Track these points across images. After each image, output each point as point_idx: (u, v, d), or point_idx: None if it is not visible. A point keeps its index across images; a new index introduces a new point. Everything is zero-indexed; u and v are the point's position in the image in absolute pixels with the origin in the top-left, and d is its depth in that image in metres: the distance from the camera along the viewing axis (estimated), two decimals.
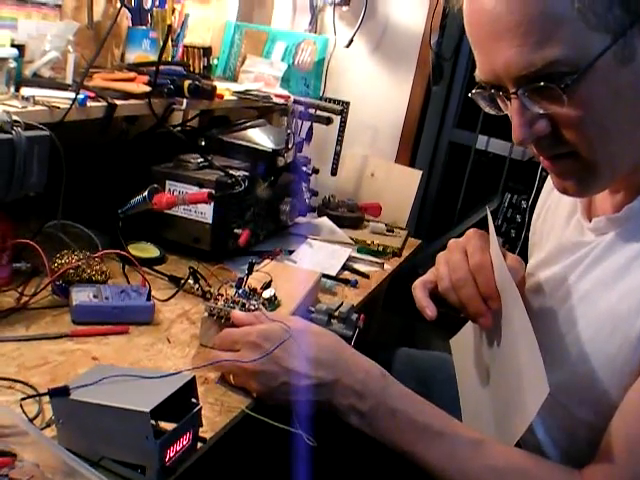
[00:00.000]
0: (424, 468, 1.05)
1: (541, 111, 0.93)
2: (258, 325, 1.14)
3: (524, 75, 0.91)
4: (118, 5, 1.77)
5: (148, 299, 1.31)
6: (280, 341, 1.07)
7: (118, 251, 1.43)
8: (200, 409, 0.93)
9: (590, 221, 1.10)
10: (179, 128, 1.97)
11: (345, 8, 2.56)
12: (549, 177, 1.32)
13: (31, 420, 0.95)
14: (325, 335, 1.15)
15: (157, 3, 1.92)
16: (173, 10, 1.97)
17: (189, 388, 0.93)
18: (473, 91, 1.03)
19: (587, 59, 0.88)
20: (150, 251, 1.61)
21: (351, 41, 2.53)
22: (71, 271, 1.33)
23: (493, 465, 1.03)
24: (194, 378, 0.94)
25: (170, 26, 1.86)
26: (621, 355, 0.97)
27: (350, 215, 2.21)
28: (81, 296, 1.28)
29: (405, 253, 2.10)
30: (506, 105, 0.98)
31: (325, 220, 2.13)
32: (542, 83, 0.90)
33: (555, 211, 1.25)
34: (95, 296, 1.29)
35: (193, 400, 0.93)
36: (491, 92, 0.99)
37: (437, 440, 1.04)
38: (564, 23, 0.87)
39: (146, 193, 1.51)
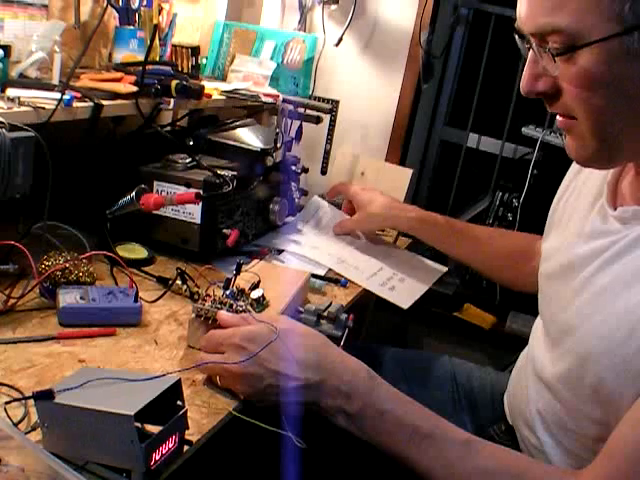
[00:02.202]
0: (413, 469, 1.04)
1: (544, 69, 0.99)
2: (243, 327, 1.13)
3: (536, 32, 0.97)
4: (105, 4, 1.76)
5: (135, 300, 1.30)
6: (266, 343, 1.06)
7: (105, 252, 1.42)
8: (186, 412, 0.92)
9: (615, 209, 1.08)
10: (169, 128, 1.97)
11: (334, 7, 2.55)
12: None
13: (16, 424, 0.95)
14: (312, 335, 1.15)
15: (145, 3, 1.91)
16: (161, 10, 1.96)
17: (175, 391, 0.92)
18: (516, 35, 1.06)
19: (588, 37, 0.91)
20: (138, 252, 1.60)
21: (340, 39, 2.52)
22: (58, 273, 1.32)
23: (483, 466, 1.02)
24: (179, 381, 0.93)
25: (156, 26, 1.85)
26: (637, 360, 0.95)
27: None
28: (68, 298, 1.27)
29: (400, 245, 2.09)
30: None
31: (315, 199, 2.15)
32: (545, 45, 0.96)
33: (580, 194, 1.23)
34: (82, 298, 1.28)
35: (179, 403, 0.93)
36: (521, 38, 1.03)
37: (426, 441, 1.04)
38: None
39: (134, 194, 1.51)
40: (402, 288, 1.78)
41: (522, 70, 1.03)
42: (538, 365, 1.20)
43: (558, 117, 1.04)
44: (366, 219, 1.90)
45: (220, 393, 1.12)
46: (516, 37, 1.04)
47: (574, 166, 1.30)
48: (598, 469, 0.95)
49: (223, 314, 1.18)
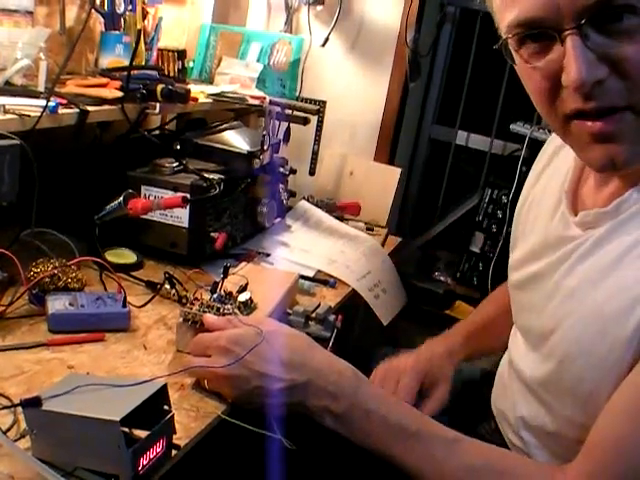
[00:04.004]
0: (401, 469, 1.04)
1: (598, 52, 0.87)
2: (229, 329, 1.14)
3: (593, 4, 0.85)
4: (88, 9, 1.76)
5: (124, 306, 1.30)
6: (251, 345, 1.07)
7: (93, 258, 1.42)
8: (172, 416, 0.93)
9: (576, 215, 1.09)
10: (157, 132, 1.97)
11: (320, 7, 2.55)
12: (532, 170, 1.32)
13: (5, 432, 0.95)
14: (297, 337, 1.15)
15: (130, 7, 1.91)
16: (146, 14, 1.96)
17: (162, 395, 0.93)
18: (510, 35, 0.95)
19: None
20: (127, 257, 1.61)
21: (326, 40, 2.53)
22: (47, 279, 1.32)
23: (470, 464, 1.02)
24: (165, 385, 0.93)
25: (140, 30, 1.85)
26: (612, 356, 0.96)
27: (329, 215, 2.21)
28: (57, 304, 1.28)
29: (385, 251, 2.10)
30: (547, 51, 0.92)
31: (302, 203, 2.16)
32: (609, 18, 0.86)
33: (540, 203, 1.23)
34: (71, 304, 1.29)
35: (165, 407, 0.93)
36: (540, 30, 0.91)
37: (412, 440, 1.04)
38: None
39: (121, 199, 1.51)
40: (384, 300, 1.82)
41: (509, 67, 0.95)
42: (519, 370, 1.21)
43: (603, 123, 0.91)
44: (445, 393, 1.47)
45: (208, 397, 1.12)
46: (510, 34, 0.95)
47: (530, 177, 1.31)
48: (580, 464, 0.96)
49: (209, 317, 1.19)
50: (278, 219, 1.99)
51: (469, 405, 1.46)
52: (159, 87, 1.66)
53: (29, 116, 1.36)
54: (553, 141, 1.26)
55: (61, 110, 1.44)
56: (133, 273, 1.55)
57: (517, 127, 2.57)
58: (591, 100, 0.90)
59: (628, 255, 0.97)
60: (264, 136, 1.81)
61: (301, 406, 1.07)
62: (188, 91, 1.79)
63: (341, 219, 2.21)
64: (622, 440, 0.92)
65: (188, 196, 1.54)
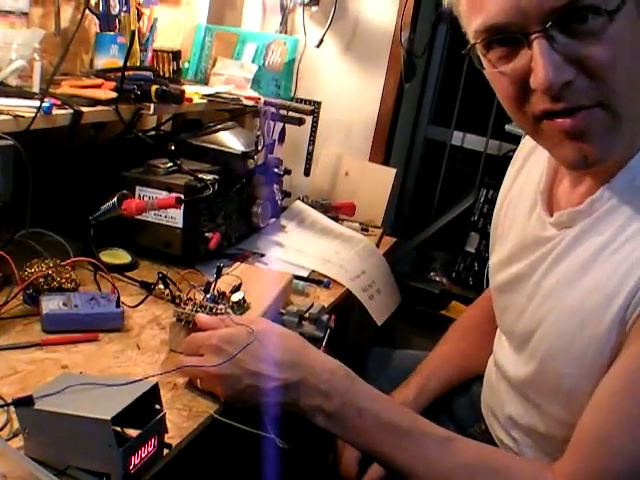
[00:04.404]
0: (393, 468, 1.05)
1: (566, 54, 0.89)
2: (221, 329, 1.14)
3: (559, 7, 0.86)
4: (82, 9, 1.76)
5: (117, 306, 1.31)
6: (243, 344, 1.07)
7: (88, 258, 1.43)
8: (164, 415, 0.93)
9: (552, 215, 1.11)
10: (153, 133, 1.98)
11: (315, 8, 2.56)
12: (508, 173, 1.33)
13: None
14: (289, 336, 1.16)
15: (125, 8, 1.91)
16: (140, 15, 1.97)
17: (153, 395, 0.93)
18: (477, 40, 0.96)
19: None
20: (122, 257, 1.61)
21: (321, 41, 2.52)
22: (41, 280, 1.33)
23: (463, 462, 1.03)
24: (157, 385, 0.94)
25: (134, 31, 1.86)
26: (590, 351, 0.98)
27: (324, 215, 2.21)
28: (51, 305, 1.28)
29: (380, 251, 2.11)
30: (514, 55, 0.93)
31: (297, 204, 2.17)
32: (574, 19, 0.87)
33: (516, 205, 1.25)
34: (65, 304, 1.29)
35: (157, 407, 0.94)
36: (506, 35, 0.92)
37: (405, 439, 1.04)
38: None
39: (115, 199, 1.52)
40: (379, 300, 1.82)
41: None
42: (504, 372, 1.22)
43: (572, 121, 0.93)
44: None
45: (201, 396, 1.13)
46: (477, 39, 0.96)
47: (507, 180, 1.31)
48: (566, 462, 0.97)
49: (201, 317, 1.19)
50: (273, 219, 1.99)
51: (459, 407, 1.46)
52: (154, 88, 1.67)
53: (23, 117, 1.36)
54: (527, 143, 1.27)
55: (55, 111, 1.44)
56: (127, 273, 1.56)
57: (512, 127, 2.57)
58: (560, 101, 0.92)
59: (601, 254, 0.99)
60: (259, 137, 1.82)
61: (294, 405, 1.08)
62: (183, 92, 1.79)
63: (336, 219, 2.21)
64: (605, 435, 0.93)
65: (182, 196, 1.55)
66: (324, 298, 1.64)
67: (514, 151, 1.34)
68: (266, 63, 2.30)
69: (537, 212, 1.15)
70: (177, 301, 1.39)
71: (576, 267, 1.03)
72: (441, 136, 2.93)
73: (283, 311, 1.39)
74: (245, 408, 1.09)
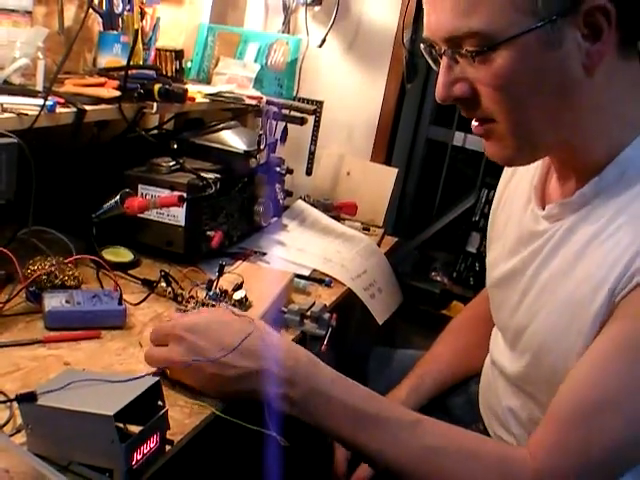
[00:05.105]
0: (363, 453, 1.05)
1: (459, 74, 0.99)
2: (184, 318, 1.14)
3: (449, 38, 0.97)
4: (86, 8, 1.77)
5: (119, 303, 1.31)
6: (204, 333, 1.07)
7: (90, 256, 1.43)
8: (166, 412, 0.94)
9: (544, 209, 1.12)
10: (155, 131, 1.98)
11: (317, 8, 2.56)
12: (504, 171, 1.34)
13: (1, 427, 0.96)
14: (252, 324, 1.13)
15: (128, 7, 1.92)
16: (144, 15, 1.97)
17: (156, 391, 0.94)
18: (422, 45, 1.07)
19: (504, 35, 0.92)
20: (124, 255, 1.62)
21: (324, 41, 2.53)
22: (43, 277, 1.34)
23: (432, 444, 1.02)
24: (159, 381, 0.94)
25: (138, 30, 1.86)
26: (579, 342, 0.99)
27: (326, 215, 2.22)
28: (53, 302, 1.29)
29: (381, 251, 2.11)
30: (439, 63, 1.03)
31: (299, 203, 2.18)
32: (462, 49, 0.96)
33: (512, 202, 1.26)
34: (67, 301, 1.30)
35: (159, 403, 0.94)
36: (430, 48, 1.04)
37: (372, 424, 1.04)
38: None
39: (118, 198, 1.52)
40: (380, 299, 1.83)
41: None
42: (500, 367, 1.23)
43: (474, 123, 1.05)
44: None
45: (204, 394, 1.12)
46: (422, 47, 1.06)
47: (504, 177, 1.33)
48: (541, 434, 0.98)
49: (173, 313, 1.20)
50: (274, 218, 2.00)
51: (457, 407, 1.47)
52: (156, 87, 1.67)
53: (27, 115, 1.37)
54: None
55: (59, 109, 1.45)
56: (129, 271, 1.56)
57: None
58: (462, 110, 1.05)
59: (591, 244, 1.01)
60: (261, 136, 1.83)
61: (256, 393, 1.06)
62: (185, 91, 1.79)
63: (338, 219, 2.22)
64: (582, 406, 0.95)
65: (184, 195, 1.55)
66: (325, 297, 1.65)
67: None
68: (268, 63, 2.31)
69: (531, 207, 1.17)
70: (179, 299, 1.40)
71: (569, 259, 1.04)
72: (443, 136, 2.92)
73: (285, 309, 1.39)
74: (247, 404, 1.08)
